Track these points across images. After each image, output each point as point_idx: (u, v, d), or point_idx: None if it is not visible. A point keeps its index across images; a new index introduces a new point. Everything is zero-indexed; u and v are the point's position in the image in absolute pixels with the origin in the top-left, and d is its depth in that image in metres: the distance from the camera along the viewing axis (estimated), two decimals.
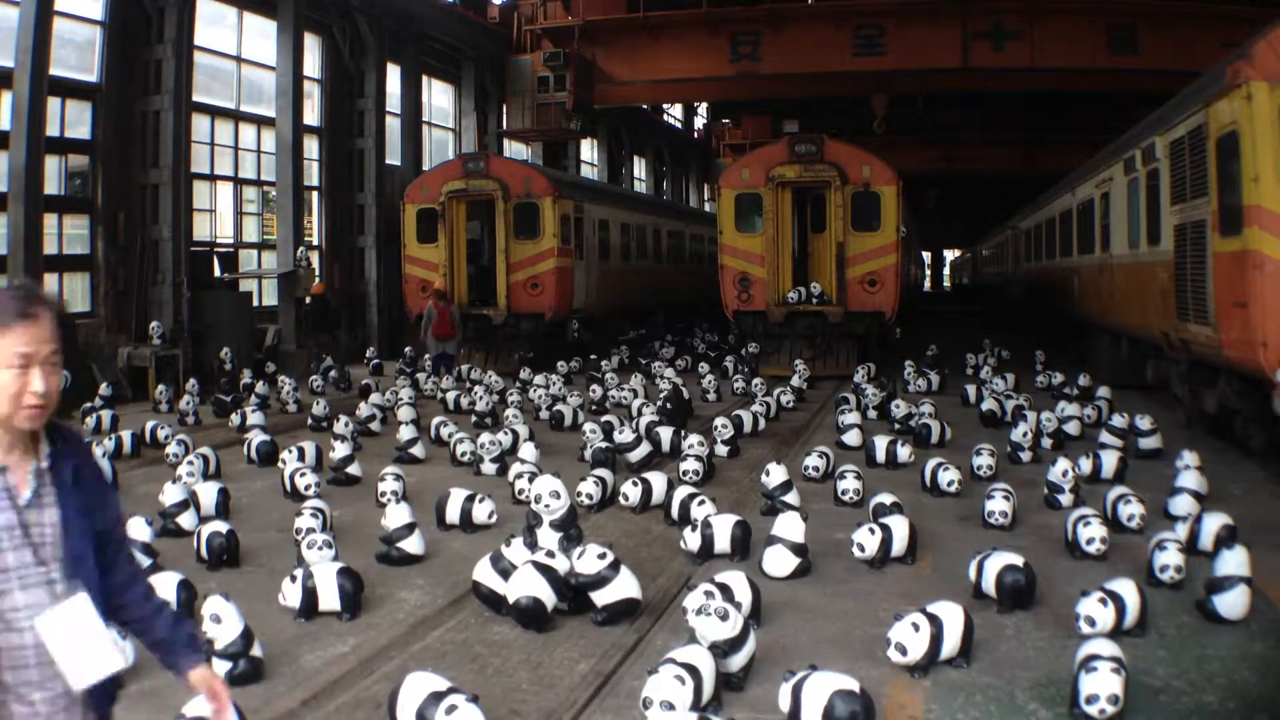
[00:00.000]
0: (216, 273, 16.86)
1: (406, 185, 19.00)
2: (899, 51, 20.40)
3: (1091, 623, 4.59)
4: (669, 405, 11.19)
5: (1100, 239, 14.26)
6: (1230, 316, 8.19)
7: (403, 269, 18.11)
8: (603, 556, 5.07)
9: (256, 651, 4.47)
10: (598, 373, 15.45)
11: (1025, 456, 9.13)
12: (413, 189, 18.30)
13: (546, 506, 5.98)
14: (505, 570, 5.21)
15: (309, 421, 11.49)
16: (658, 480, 7.55)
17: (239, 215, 18.33)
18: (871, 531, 5.90)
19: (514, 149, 26.83)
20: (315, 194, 19.81)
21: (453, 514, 7.01)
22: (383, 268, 20.35)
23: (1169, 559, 5.46)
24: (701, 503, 6.72)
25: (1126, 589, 4.76)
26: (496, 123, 25.45)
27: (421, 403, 12.74)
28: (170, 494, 6.89)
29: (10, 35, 12.81)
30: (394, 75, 21.25)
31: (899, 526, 6.03)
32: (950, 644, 4.39)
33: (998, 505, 6.78)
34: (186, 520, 6.80)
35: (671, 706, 3.67)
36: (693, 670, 3.82)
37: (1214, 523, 6.04)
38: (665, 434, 9.60)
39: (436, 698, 3.67)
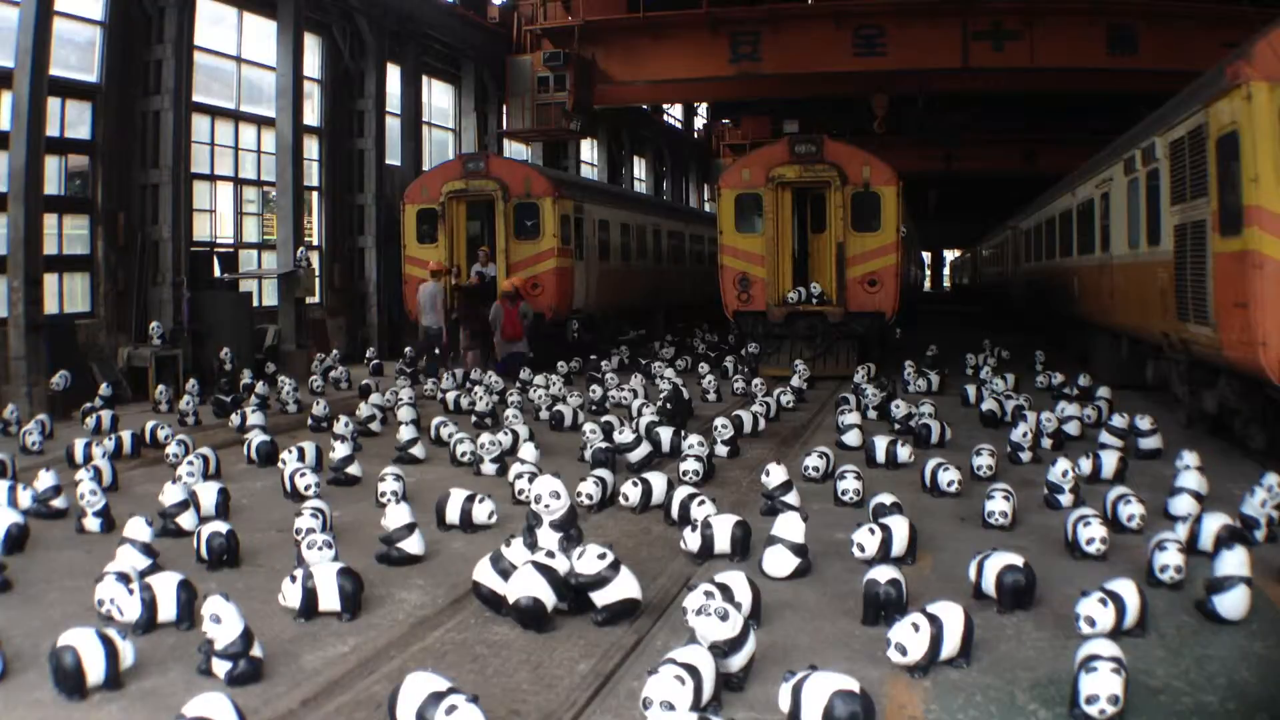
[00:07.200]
0: (216, 273, 16.85)
1: (406, 185, 19.00)
2: (899, 51, 20.43)
3: (1091, 623, 4.58)
4: (669, 405, 11.19)
5: (1100, 239, 14.26)
6: (1230, 316, 8.19)
7: (403, 269, 18.12)
8: (603, 557, 5.06)
9: (256, 651, 4.47)
10: (598, 373, 15.44)
11: (1025, 456, 9.12)
12: (413, 189, 18.31)
13: (546, 507, 5.96)
14: (505, 570, 5.21)
15: (309, 421, 11.48)
16: (658, 480, 7.54)
17: (239, 215, 18.32)
18: (871, 532, 5.90)
19: (514, 149, 26.82)
20: (315, 194, 19.80)
21: (453, 514, 7.01)
22: (383, 268, 20.36)
23: (1169, 559, 5.46)
24: (701, 503, 6.71)
25: (1126, 589, 4.76)
26: (496, 123, 25.44)
27: (421, 403, 12.73)
28: (170, 494, 6.88)
29: (10, 35, 12.79)
30: (394, 75, 21.24)
31: (899, 527, 6.03)
32: (950, 644, 4.39)
33: (998, 505, 6.78)
34: (186, 520, 6.80)
35: (671, 706, 3.67)
36: (693, 670, 3.81)
37: (1214, 523, 6.04)
38: (665, 434, 9.59)
39: (436, 698, 3.66)
